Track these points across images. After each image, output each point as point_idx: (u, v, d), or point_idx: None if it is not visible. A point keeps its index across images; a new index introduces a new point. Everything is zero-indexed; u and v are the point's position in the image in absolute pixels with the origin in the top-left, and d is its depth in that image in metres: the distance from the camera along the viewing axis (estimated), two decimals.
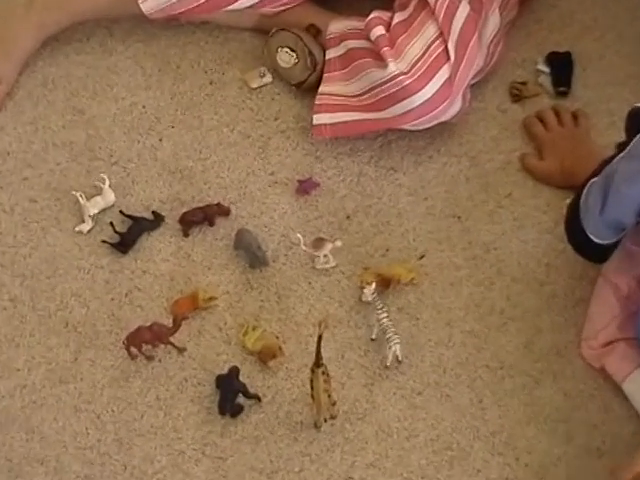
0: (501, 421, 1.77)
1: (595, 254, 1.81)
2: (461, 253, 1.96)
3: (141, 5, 2.12)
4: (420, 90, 1.95)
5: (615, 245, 1.79)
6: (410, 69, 1.96)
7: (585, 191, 1.75)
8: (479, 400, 1.80)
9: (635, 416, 1.75)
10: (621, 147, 1.72)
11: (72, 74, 2.17)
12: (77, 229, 1.98)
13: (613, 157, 1.73)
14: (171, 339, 1.85)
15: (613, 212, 1.72)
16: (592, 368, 1.83)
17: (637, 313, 1.81)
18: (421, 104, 1.96)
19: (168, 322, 1.87)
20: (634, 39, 2.17)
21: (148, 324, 1.86)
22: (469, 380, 1.82)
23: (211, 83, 2.16)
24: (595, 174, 1.75)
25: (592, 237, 1.76)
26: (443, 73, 1.97)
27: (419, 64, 1.97)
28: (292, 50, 2.09)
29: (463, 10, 2.02)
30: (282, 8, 2.14)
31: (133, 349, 1.83)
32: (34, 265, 1.94)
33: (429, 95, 1.96)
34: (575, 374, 1.83)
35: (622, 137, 1.91)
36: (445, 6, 2.00)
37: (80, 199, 1.98)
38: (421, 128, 2.02)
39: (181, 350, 1.84)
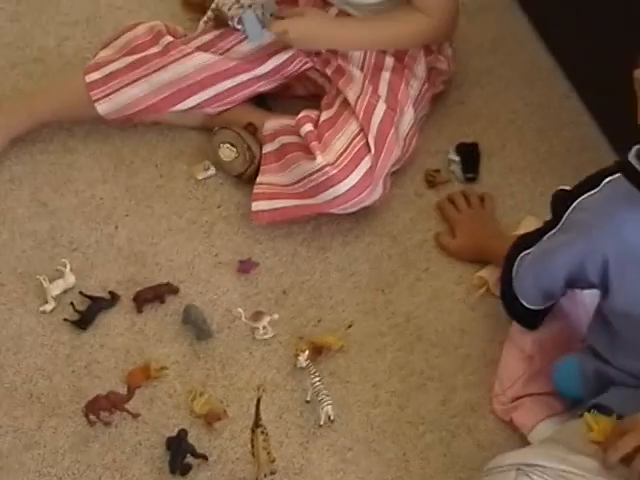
0: (423, 471, 1.77)
1: (529, 319, 1.81)
2: (385, 322, 1.96)
3: (98, 108, 2.11)
4: (345, 179, 1.96)
5: (546, 311, 1.80)
6: (336, 160, 1.97)
7: (517, 263, 1.76)
8: (403, 453, 1.79)
9: None
10: (547, 225, 1.72)
11: (37, 171, 2.16)
12: (41, 309, 1.96)
13: (535, 232, 1.74)
14: (126, 406, 1.83)
15: (544, 281, 1.73)
16: (502, 421, 1.83)
17: (540, 372, 1.81)
18: (346, 191, 1.97)
19: (123, 391, 1.84)
20: (531, 132, 2.20)
21: (105, 393, 1.83)
22: (394, 436, 1.82)
23: (161, 176, 2.16)
24: (516, 247, 1.77)
25: (525, 304, 1.77)
26: (365, 164, 1.98)
27: (343, 156, 1.98)
28: (233, 146, 2.09)
29: (380, 108, 2.04)
30: (223, 109, 2.14)
31: (92, 416, 1.82)
32: (1, 342, 1.92)
33: (353, 183, 1.97)
34: (487, 427, 1.83)
35: (522, 216, 1.99)
36: (364, 105, 2.03)
37: (44, 282, 1.96)
38: (347, 212, 2.03)
39: (135, 416, 1.83)
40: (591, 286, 1.72)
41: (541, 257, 1.73)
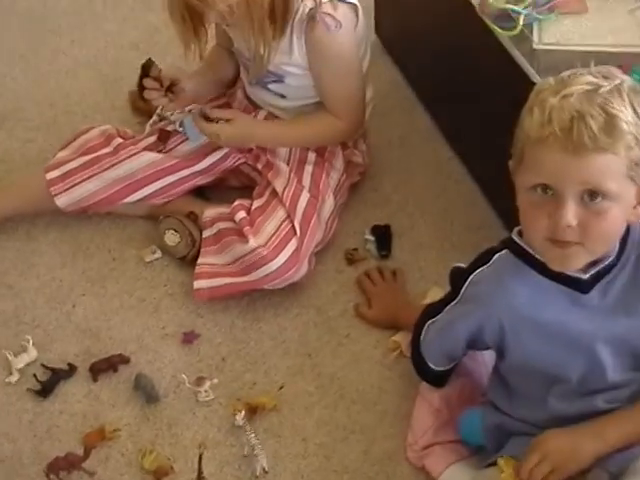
0: None
1: (435, 379, 1.83)
2: (312, 383, 1.96)
3: (57, 201, 2.12)
4: (274, 259, 1.99)
5: (450, 371, 1.80)
6: (266, 243, 2.00)
7: (424, 331, 1.78)
8: None
9: None
10: (447, 297, 1.74)
11: (3, 257, 2.16)
12: (7, 380, 1.96)
13: (438, 303, 1.76)
14: (83, 465, 1.84)
15: (447, 345, 1.76)
16: (416, 467, 1.83)
17: (447, 423, 1.83)
18: (276, 269, 1.99)
19: (81, 451, 1.85)
20: (435, 214, 2.22)
21: (64, 454, 1.85)
22: None
23: (114, 260, 2.16)
24: (423, 316, 1.78)
25: (432, 366, 1.79)
26: (291, 245, 2.00)
27: (273, 239, 2.00)
28: (176, 232, 2.11)
29: (304, 197, 2.06)
30: (167, 200, 2.15)
31: (52, 476, 1.83)
32: None
33: (282, 262, 1.99)
34: (404, 473, 1.84)
35: (429, 287, 2.03)
36: (290, 195, 2.06)
37: (9, 356, 1.98)
38: (277, 287, 2.04)
39: (91, 474, 1.83)
40: (488, 348, 1.74)
41: (444, 326, 1.74)
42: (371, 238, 2.18)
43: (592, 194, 1.46)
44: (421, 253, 2.16)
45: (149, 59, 2.09)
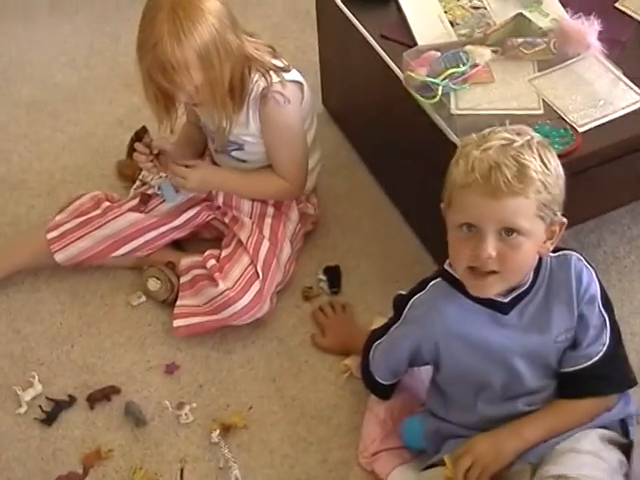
0: None
1: (382, 392, 1.86)
2: (276, 403, 1.97)
3: (56, 257, 2.13)
4: (241, 299, 2.00)
5: (394, 385, 1.83)
6: (233, 285, 2.01)
7: (372, 350, 1.81)
8: None
9: None
10: (391, 320, 1.77)
11: (11, 306, 2.16)
12: (16, 412, 1.97)
13: (383, 327, 1.79)
14: None
15: (392, 362, 1.79)
16: (367, 471, 1.85)
17: (392, 432, 1.85)
18: (242, 308, 2.01)
19: (81, 470, 1.87)
20: (378, 255, 2.23)
21: (66, 473, 1.86)
22: None
23: (105, 305, 2.16)
24: (375, 338, 1.80)
25: (380, 380, 1.82)
26: (255, 287, 2.02)
27: (239, 282, 2.02)
28: (158, 279, 2.12)
29: (265, 245, 2.08)
30: (149, 252, 2.16)
31: None
32: None
33: (247, 302, 2.01)
34: (357, 477, 1.85)
35: (374, 317, 2.03)
36: (253, 244, 2.07)
37: (18, 391, 1.99)
38: (245, 323, 2.04)
39: None
40: (426, 363, 1.77)
41: (389, 345, 1.77)
42: (323, 277, 2.19)
43: (508, 230, 1.51)
44: (366, 288, 2.17)
45: (144, 127, 2.10)
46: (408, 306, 1.72)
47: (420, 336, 1.71)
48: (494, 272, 1.55)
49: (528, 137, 1.55)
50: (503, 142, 1.52)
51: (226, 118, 1.98)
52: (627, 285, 2.15)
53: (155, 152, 2.08)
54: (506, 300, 1.63)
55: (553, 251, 1.64)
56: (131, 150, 2.13)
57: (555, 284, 1.64)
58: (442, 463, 1.69)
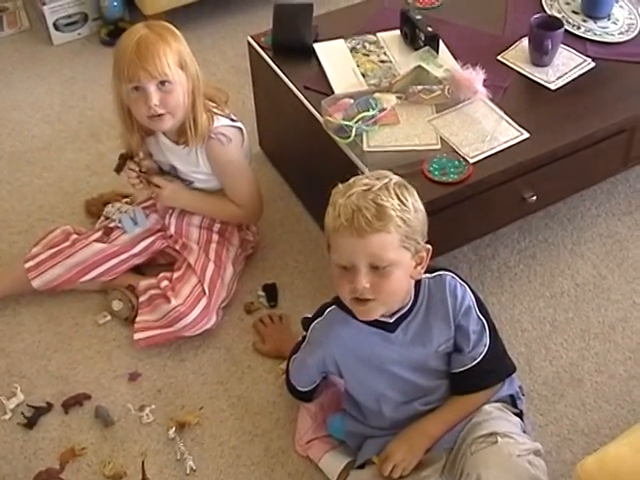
0: None
1: (302, 396, 1.88)
2: (224, 403, 1.98)
3: (33, 283, 2.13)
4: (190, 313, 2.02)
5: (314, 390, 1.84)
6: (184, 302, 2.03)
7: (291, 363, 1.84)
8: None
9: None
10: (302, 339, 1.80)
11: None
12: (2, 418, 1.97)
13: (300, 343, 1.81)
14: (61, 476, 1.87)
15: (304, 374, 1.82)
16: (303, 457, 1.88)
17: (321, 423, 1.88)
18: (192, 321, 2.03)
19: (58, 466, 1.89)
20: (310, 273, 2.24)
21: (45, 469, 1.88)
22: (235, 475, 1.86)
23: (76, 324, 2.15)
24: (293, 352, 1.83)
25: (298, 387, 1.85)
26: (202, 303, 2.03)
27: (188, 298, 2.03)
28: (120, 300, 2.13)
29: (210, 267, 2.09)
30: (113, 277, 2.16)
31: None
32: None
33: (195, 315, 2.02)
34: (294, 462, 1.88)
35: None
36: (200, 267, 2.08)
37: (3, 400, 1.99)
38: (195, 334, 2.05)
39: None
40: (333, 374, 1.79)
41: (300, 361, 1.80)
42: (262, 293, 2.19)
43: (378, 263, 1.53)
44: (300, 302, 2.18)
45: (130, 151, 2.09)
46: (310, 329, 1.75)
47: (321, 354, 1.73)
48: (372, 299, 1.56)
49: (386, 180, 1.54)
50: (364, 188, 1.52)
51: (191, 132, 1.97)
52: (517, 289, 2.21)
53: (144, 170, 2.11)
54: (391, 320, 1.65)
55: (430, 272, 1.67)
56: (120, 166, 2.14)
57: (433, 302, 1.67)
58: (371, 462, 1.75)
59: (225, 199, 2.15)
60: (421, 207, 1.58)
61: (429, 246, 1.61)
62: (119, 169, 2.13)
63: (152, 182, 2.11)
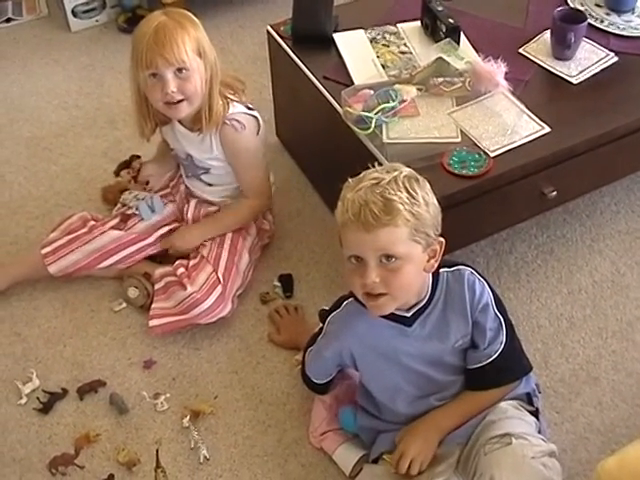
0: None
1: (318, 389, 1.87)
2: (239, 392, 1.98)
3: (49, 269, 2.13)
4: (205, 300, 2.01)
5: (329, 383, 1.83)
6: (199, 289, 2.02)
7: (307, 354, 1.83)
8: (255, 475, 1.84)
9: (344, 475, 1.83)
10: (319, 331, 1.79)
11: (13, 313, 2.16)
12: (18, 403, 1.98)
13: (316, 335, 1.79)
14: (75, 461, 1.88)
15: (321, 367, 1.81)
16: (316, 449, 1.88)
17: (336, 415, 1.87)
18: (207, 308, 2.02)
19: (73, 451, 1.89)
20: (326, 264, 2.23)
21: (60, 454, 1.88)
22: (249, 464, 1.86)
23: (92, 311, 2.16)
24: (309, 344, 1.81)
25: (314, 380, 1.83)
26: (217, 290, 2.03)
27: (204, 286, 2.02)
28: (136, 287, 2.13)
29: (224, 256, 2.08)
30: (129, 264, 2.16)
31: (53, 470, 1.87)
32: None
33: (211, 303, 2.02)
34: (307, 453, 1.88)
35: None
36: (213, 257, 2.07)
37: (19, 385, 2.00)
38: (210, 322, 2.05)
39: (81, 467, 1.87)
40: (349, 367, 1.78)
41: (316, 353, 1.79)
42: (278, 284, 2.19)
43: (387, 257, 1.51)
44: (315, 293, 2.18)
45: (136, 155, 2.21)
46: (327, 322, 1.74)
47: (338, 347, 1.72)
48: (384, 294, 1.55)
49: (396, 173, 1.52)
50: (373, 182, 1.51)
51: (206, 119, 1.97)
52: (534, 285, 2.20)
53: (134, 175, 2.16)
54: (409, 314, 1.64)
55: (449, 266, 1.66)
56: (118, 170, 2.24)
57: (451, 297, 1.65)
58: (383, 458, 1.74)
59: (231, 206, 2.16)
60: (433, 200, 1.56)
61: (442, 239, 1.59)
62: (116, 173, 2.23)
63: (162, 245, 2.18)
